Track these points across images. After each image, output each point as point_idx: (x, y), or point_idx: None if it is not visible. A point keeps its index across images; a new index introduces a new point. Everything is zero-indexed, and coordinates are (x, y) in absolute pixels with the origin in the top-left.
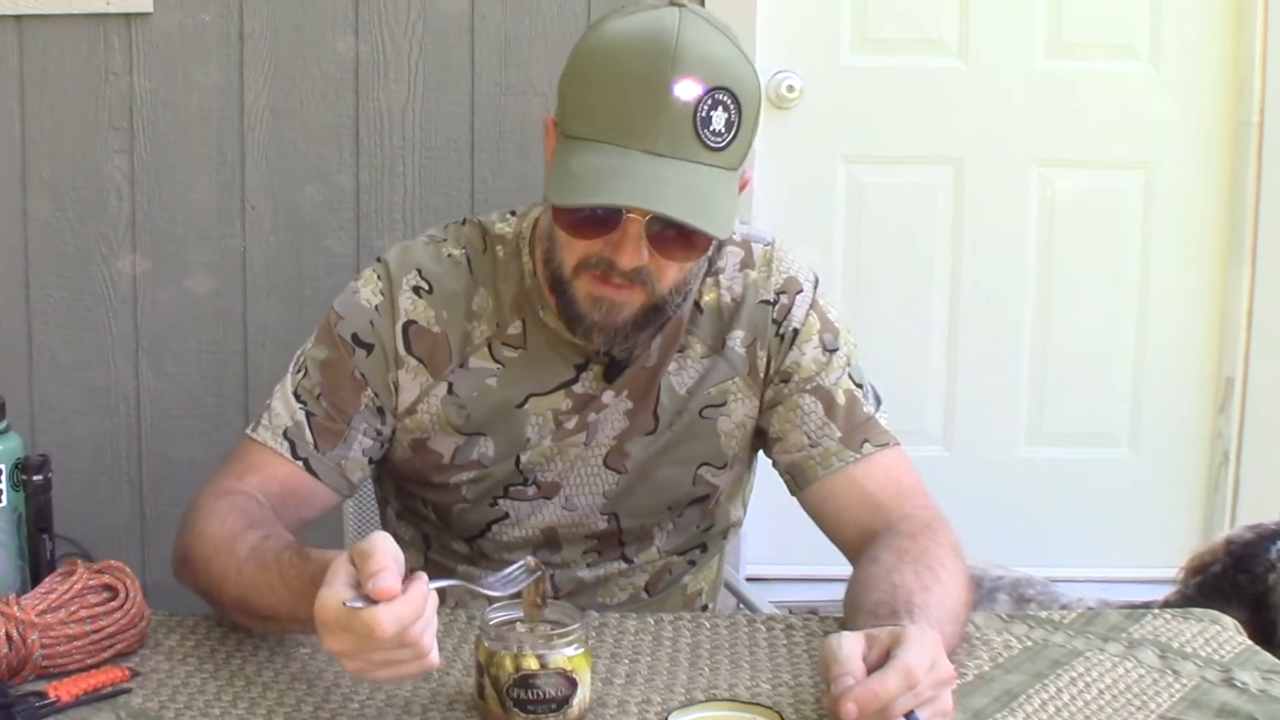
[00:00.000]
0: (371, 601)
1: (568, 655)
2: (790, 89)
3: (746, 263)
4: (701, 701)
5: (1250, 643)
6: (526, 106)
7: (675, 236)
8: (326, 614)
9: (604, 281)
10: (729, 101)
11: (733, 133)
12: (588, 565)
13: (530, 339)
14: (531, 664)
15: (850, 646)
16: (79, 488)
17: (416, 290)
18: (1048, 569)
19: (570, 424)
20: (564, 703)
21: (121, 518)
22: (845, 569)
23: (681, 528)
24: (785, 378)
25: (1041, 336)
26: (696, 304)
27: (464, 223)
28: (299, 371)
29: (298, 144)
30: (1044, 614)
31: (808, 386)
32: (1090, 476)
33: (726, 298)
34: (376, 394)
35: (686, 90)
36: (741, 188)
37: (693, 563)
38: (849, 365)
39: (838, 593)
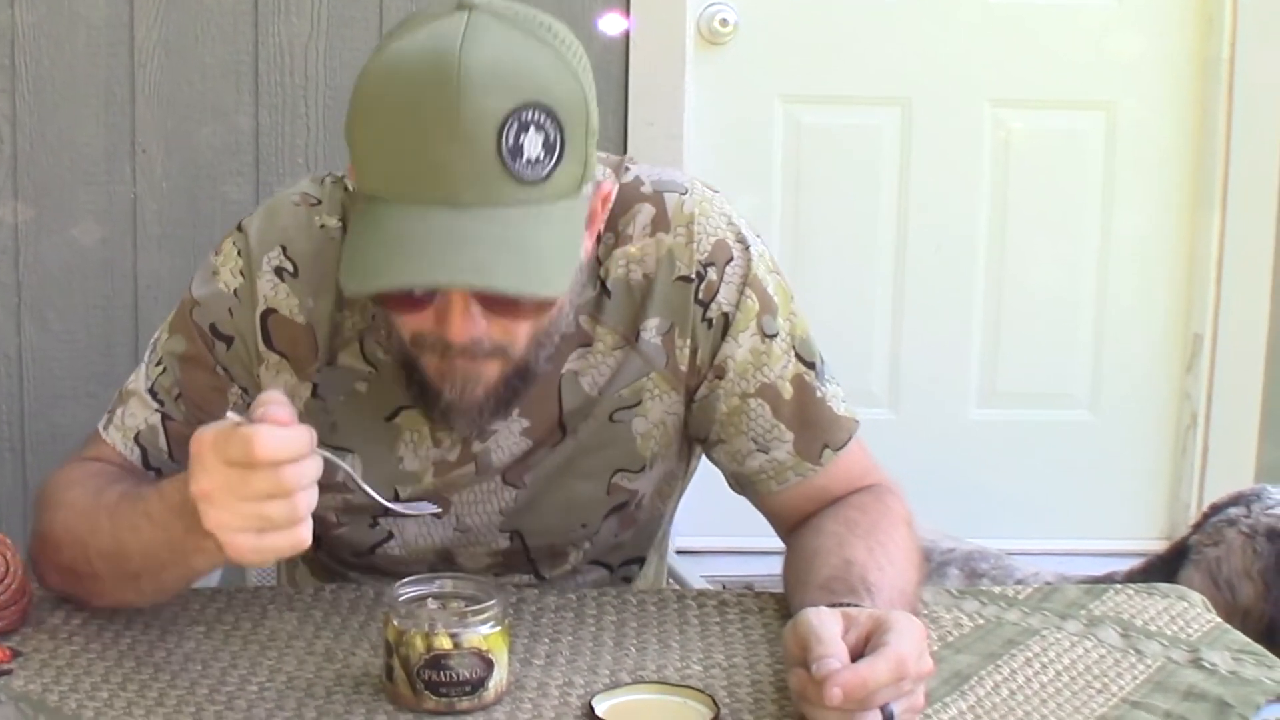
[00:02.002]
0: None
1: (483, 634)
2: (723, 23)
3: (659, 223)
4: (627, 684)
5: (1220, 620)
6: None
7: (508, 299)
8: (202, 440)
9: (447, 359)
10: (543, 118)
11: (555, 155)
12: (494, 575)
13: None
14: (444, 643)
15: (832, 626)
16: None
17: (279, 272)
18: (1002, 541)
19: (452, 455)
20: (479, 685)
21: (2, 487)
22: (782, 543)
23: (600, 543)
24: (719, 373)
25: (995, 290)
26: (603, 284)
27: (341, 182)
28: (157, 364)
29: (193, 82)
30: (997, 590)
31: (750, 388)
32: (1047, 440)
33: (637, 273)
34: (245, 390)
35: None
36: (604, 202)
37: (629, 579)
38: (793, 343)
39: (775, 566)
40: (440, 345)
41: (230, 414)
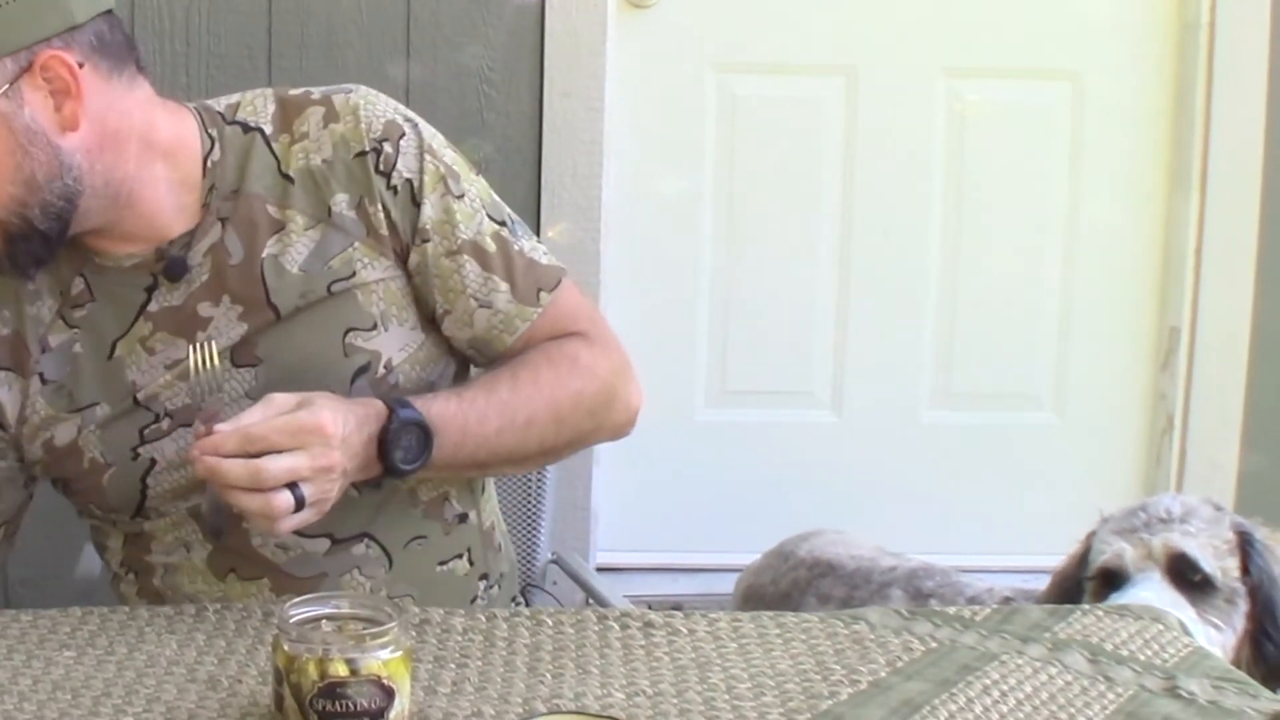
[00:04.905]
0: None
1: (383, 659)
2: None
3: (330, 117)
4: (543, 714)
5: (1199, 645)
6: (335, 4)
7: None
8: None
9: None
10: None
11: None
12: None
13: (95, 288)
14: (340, 670)
15: (248, 414)
16: None
17: None
18: (957, 557)
19: (172, 350)
20: (379, 716)
21: None
22: (714, 558)
23: None
24: (424, 238)
25: (949, 280)
26: (285, 175)
27: None
28: None
29: None
30: (952, 610)
31: (454, 246)
32: (1007, 446)
33: (316, 160)
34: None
35: None
36: (68, 72)
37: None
38: (483, 204)
39: (706, 585)
40: None
41: None
